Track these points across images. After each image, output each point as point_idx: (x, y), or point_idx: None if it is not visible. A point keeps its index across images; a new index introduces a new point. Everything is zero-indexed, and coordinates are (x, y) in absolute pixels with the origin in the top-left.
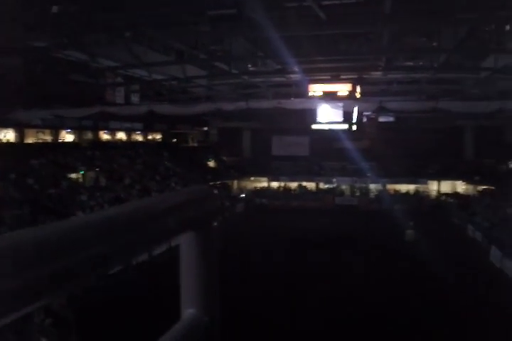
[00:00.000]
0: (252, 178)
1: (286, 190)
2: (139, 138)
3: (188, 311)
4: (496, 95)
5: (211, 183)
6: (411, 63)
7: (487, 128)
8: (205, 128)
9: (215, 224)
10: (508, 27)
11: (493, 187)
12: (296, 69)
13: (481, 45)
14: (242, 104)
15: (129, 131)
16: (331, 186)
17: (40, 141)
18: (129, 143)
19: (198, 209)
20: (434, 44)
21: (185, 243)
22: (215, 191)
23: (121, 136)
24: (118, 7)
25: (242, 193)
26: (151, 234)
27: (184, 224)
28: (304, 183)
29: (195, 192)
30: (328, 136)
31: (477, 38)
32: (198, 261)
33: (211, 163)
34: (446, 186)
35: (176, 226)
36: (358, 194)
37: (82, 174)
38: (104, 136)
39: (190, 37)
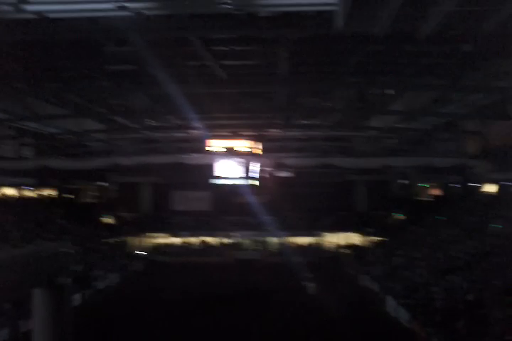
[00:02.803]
0: (152, 234)
1: (187, 245)
2: (31, 194)
3: None
4: (381, 152)
5: (107, 240)
6: (307, 122)
7: (377, 182)
8: (103, 183)
9: (68, 281)
10: (391, 91)
11: (384, 238)
12: (197, 125)
13: (368, 107)
14: (140, 159)
15: (19, 187)
16: (232, 241)
17: None
18: (19, 200)
19: (41, 268)
20: (328, 104)
21: (36, 300)
22: (65, 250)
23: (10, 191)
24: (13, 58)
25: (141, 250)
26: None
27: (26, 281)
28: (206, 238)
29: (39, 252)
30: (230, 191)
31: (365, 100)
32: (47, 318)
33: (108, 220)
34: (341, 238)
35: (16, 284)
36: (259, 248)
37: None
38: None
39: (88, 90)
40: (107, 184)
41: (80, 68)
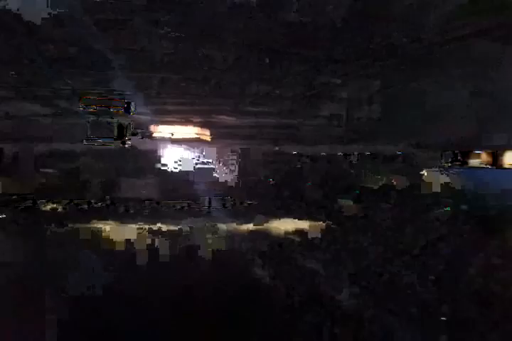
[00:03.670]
0: (98, 222)
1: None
2: None
3: None
4: (330, 140)
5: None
6: (256, 109)
7: (326, 169)
8: (47, 170)
9: None
10: (339, 81)
11: (332, 224)
12: (142, 110)
13: (316, 94)
14: (84, 144)
15: None
16: (179, 227)
17: None
18: None
19: None
20: (277, 92)
21: None
22: None
23: None
24: None
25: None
26: None
27: None
28: (153, 226)
29: None
30: (177, 178)
31: (313, 88)
32: None
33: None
34: (290, 224)
35: None
36: (207, 234)
37: None
38: None
39: (27, 73)
40: (50, 170)
41: (12, 50)
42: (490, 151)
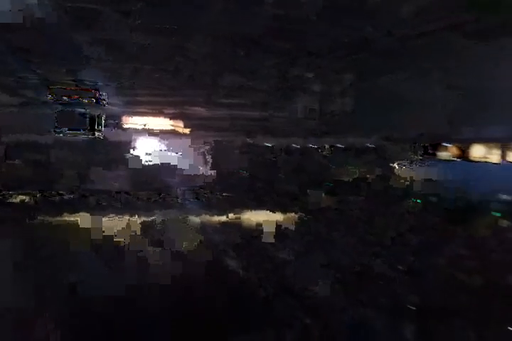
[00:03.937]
0: (70, 215)
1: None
2: None
3: None
4: (303, 133)
5: None
6: (230, 101)
7: (299, 162)
8: (13, 162)
9: None
10: (312, 74)
11: (305, 216)
12: (114, 101)
13: (290, 87)
14: (53, 136)
15: None
16: (152, 219)
17: None
18: None
19: None
20: (250, 83)
21: None
22: None
23: None
24: None
25: None
26: None
27: None
28: (125, 218)
29: None
30: (150, 170)
31: (287, 80)
32: None
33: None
34: (262, 216)
35: None
36: (180, 227)
37: None
38: None
39: None
40: (18, 162)
41: None
42: (459, 145)
